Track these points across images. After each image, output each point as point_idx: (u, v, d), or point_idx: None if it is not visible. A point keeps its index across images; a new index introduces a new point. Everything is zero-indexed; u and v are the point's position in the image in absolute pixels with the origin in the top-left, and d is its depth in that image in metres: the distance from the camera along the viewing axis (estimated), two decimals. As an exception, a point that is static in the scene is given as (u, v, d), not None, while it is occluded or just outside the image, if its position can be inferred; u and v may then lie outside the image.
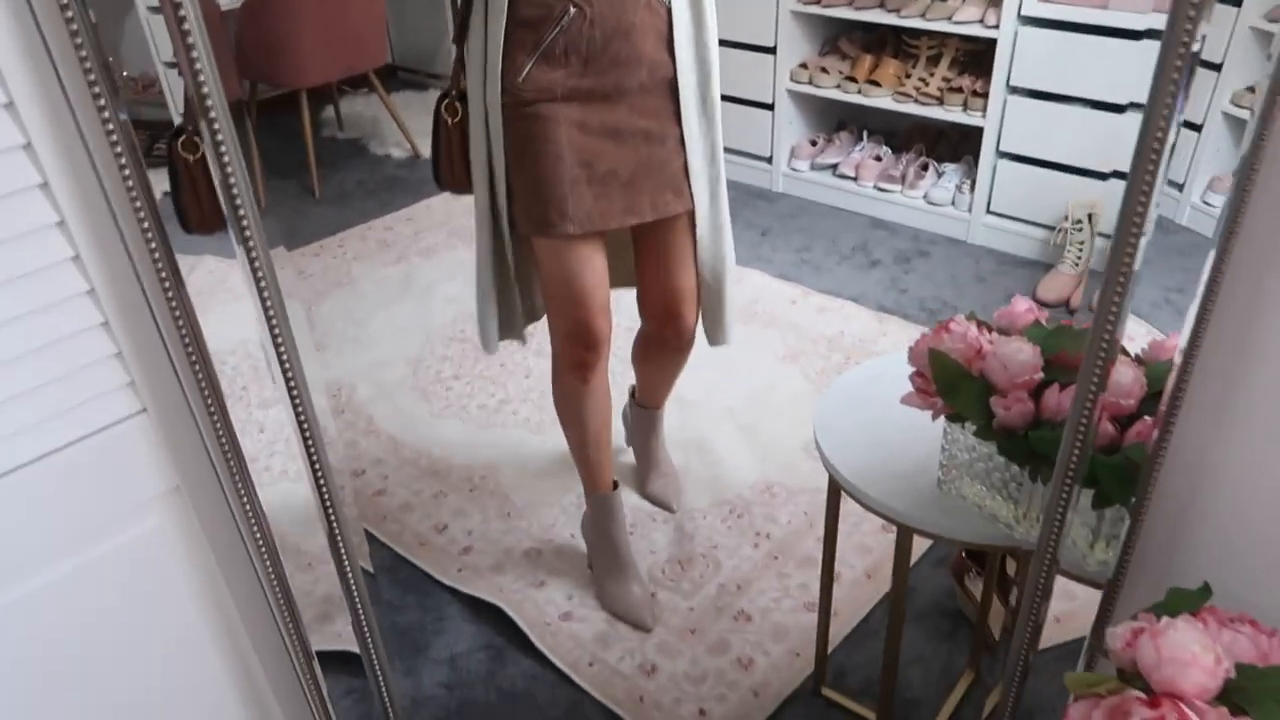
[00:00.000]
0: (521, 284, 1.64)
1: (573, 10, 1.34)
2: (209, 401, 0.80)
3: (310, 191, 3.65)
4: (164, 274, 0.75)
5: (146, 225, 0.73)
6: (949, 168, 3.25)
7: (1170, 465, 0.86)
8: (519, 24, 1.35)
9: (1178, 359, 0.79)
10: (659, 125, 1.47)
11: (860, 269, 3.02)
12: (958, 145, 3.33)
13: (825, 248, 3.15)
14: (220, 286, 1.06)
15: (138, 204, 0.71)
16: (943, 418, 1.10)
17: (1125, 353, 1.00)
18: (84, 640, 0.89)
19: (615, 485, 1.85)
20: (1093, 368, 0.80)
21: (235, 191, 0.75)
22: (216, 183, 0.74)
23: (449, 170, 1.54)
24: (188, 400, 0.83)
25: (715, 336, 1.74)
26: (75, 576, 0.86)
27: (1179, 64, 0.67)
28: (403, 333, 2.76)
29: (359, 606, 1.05)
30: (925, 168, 3.27)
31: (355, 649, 1.21)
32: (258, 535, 0.89)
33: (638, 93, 1.43)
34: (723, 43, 1.55)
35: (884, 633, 1.72)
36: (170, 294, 0.75)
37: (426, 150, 3.93)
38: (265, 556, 0.91)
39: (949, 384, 1.04)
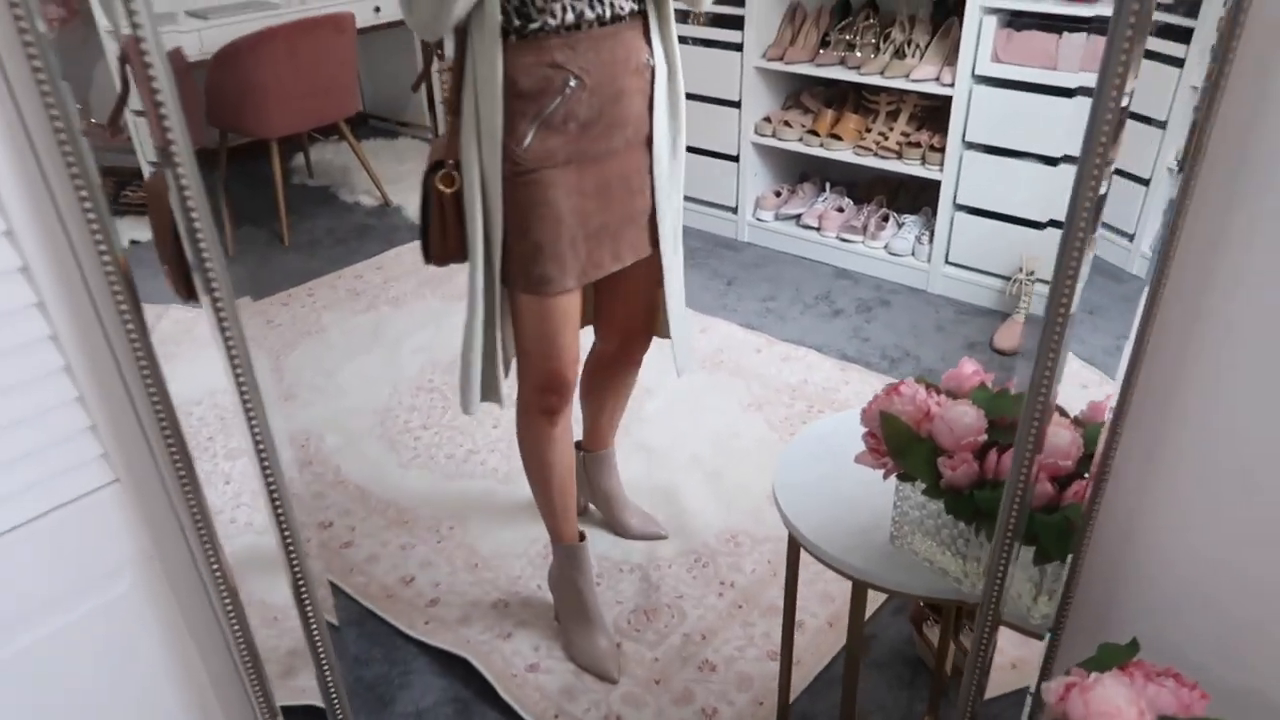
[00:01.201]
0: (504, 346, 1.64)
1: (573, 82, 1.39)
2: (180, 472, 0.82)
3: (279, 239, 3.67)
4: (134, 337, 0.77)
5: (117, 288, 0.75)
6: (909, 219, 3.34)
7: (1104, 523, 0.91)
8: (517, 95, 1.38)
9: (1108, 418, 0.84)
10: (638, 178, 1.55)
11: (823, 318, 3.08)
12: (917, 197, 3.43)
13: (789, 297, 3.22)
14: (186, 335, 1.08)
15: (107, 263, 0.73)
16: (894, 476, 1.15)
17: (1064, 414, 1.06)
18: (61, 700, 0.91)
19: (582, 536, 1.88)
20: (1029, 429, 0.85)
21: (200, 240, 0.77)
22: (181, 230, 0.76)
23: (441, 241, 1.51)
24: (158, 468, 0.86)
25: (686, 363, 1.78)
26: (52, 640, 0.88)
27: (1108, 117, 0.72)
28: (371, 382, 2.78)
29: (323, 662, 1.07)
30: (886, 219, 3.36)
31: (321, 704, 1.22)
32: (226, 601, 0.91)
33: (623, 150, 1.51)
34: (689, 97, 1.64)
35: (841, 679, 1.75)
36: (143, 361, 0.78)
37: (396, 198, 4.00)
38: (233, 620, 0.93)
39: (899, 446, 1.08)
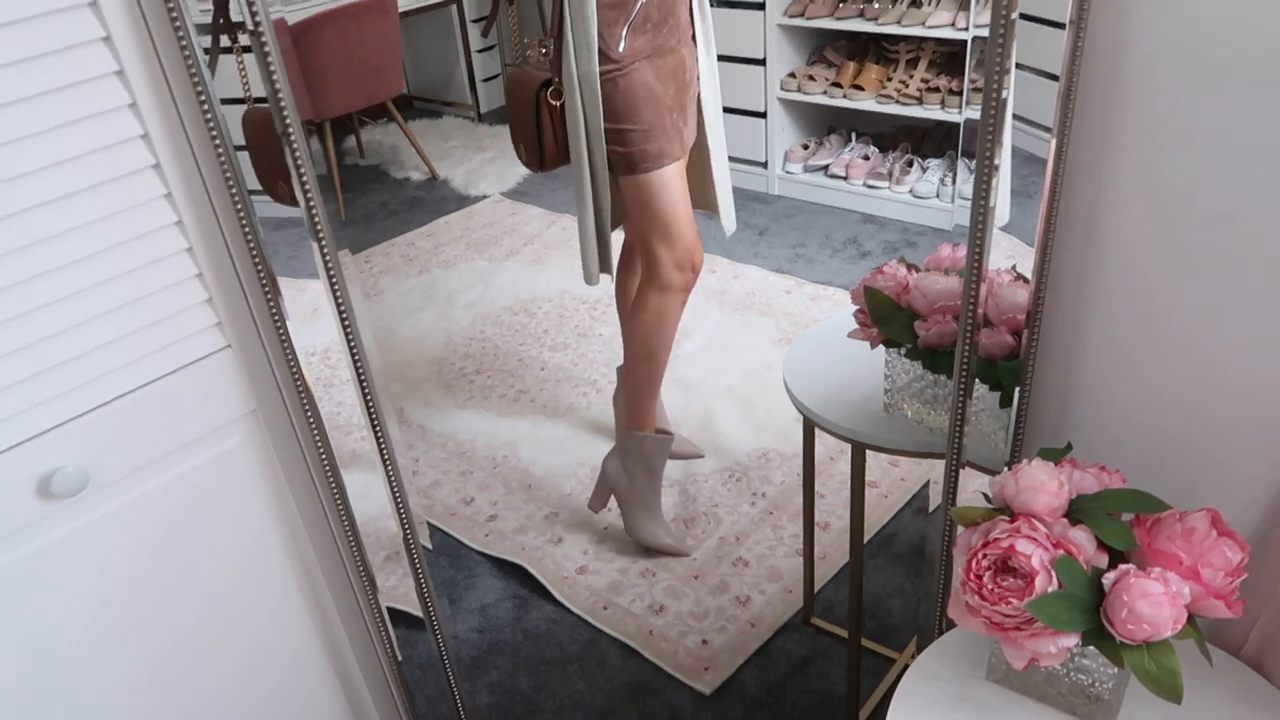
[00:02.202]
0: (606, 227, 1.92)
1: None
2: (282, 337, 1.02)
3: (337, 214, 3.90)
4: (247, 230, 0.97)
5: (239, 205, 0.95)
6: (933, 163, 3.45)
7: (1046, 358, 1.07)
8: (607, 7, 1.71)
9: (1035, 269, 1.00)
10: (692, 68, 1.88)
11: (851, 260, 3.22)
12: (940, 142, 3.54)
13: (819, 243, 3.36)
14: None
15: (229, 177, 0.93)
16: (883, 349, 1.31)
17: (1023, 279, 1.21)
18: (175, 543, 1.11)
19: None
20: (973, 275, 1.01)
21: (312, 204, 0.97)
22: (299, 198, 0.96)
23: (554, 148, 1.83)
24: (261, 337, 1.06)
25: (732, 223, 2.07)
26: (171, 487, 1.08)
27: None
28: (427, 336, 3.00)
29: (410, 542, 1.25)
30: (910, 164, 3.48)
31: (402, 606, 1.42)
32: (320, 450, 1.11)
33: (678, 46, 1.84)
34: (718, 57, 1.95)
35: (867, 568, 1.92)
36: (253, 246, 0.98)
37: (443, 172, 4.22)
38: (328, 472, 1.13)
39: (882, 315, 1.25)
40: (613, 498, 2.10)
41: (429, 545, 2.13)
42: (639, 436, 2.04)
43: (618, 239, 1.98)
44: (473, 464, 2.40)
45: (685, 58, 1.86)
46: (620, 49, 1.73)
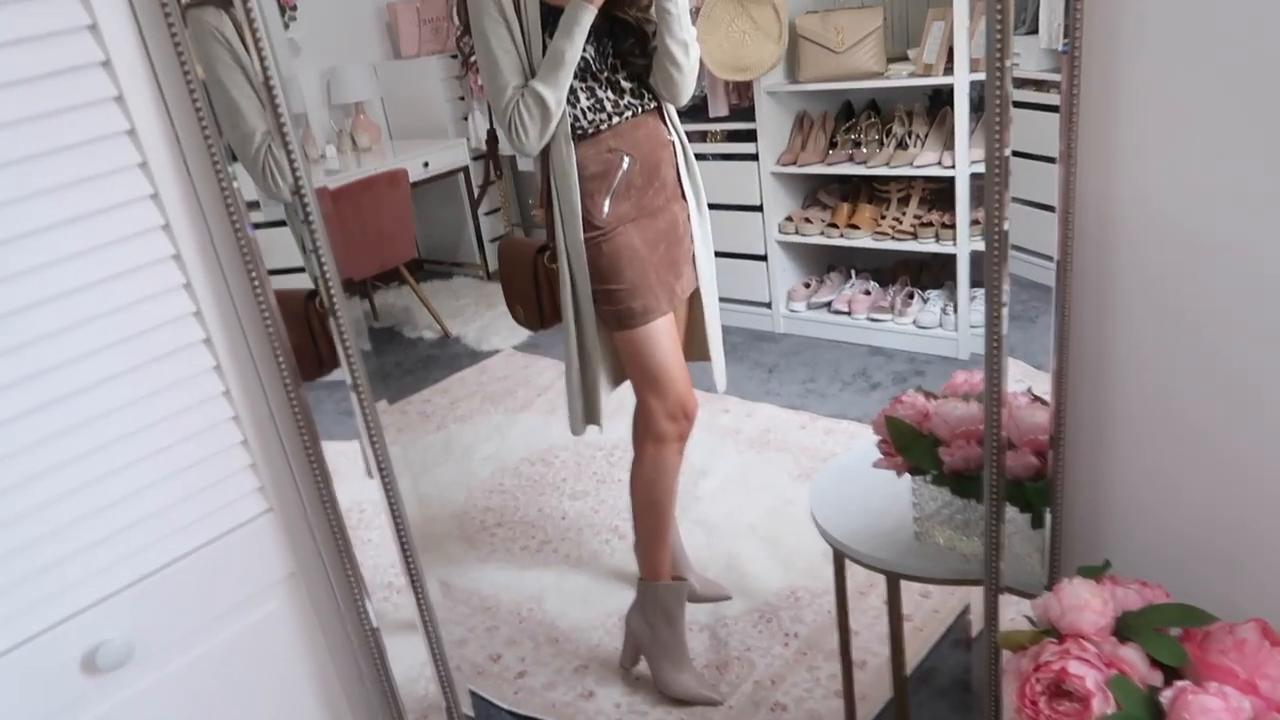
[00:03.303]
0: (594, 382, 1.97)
1: (626, 159, 1.82)
2: (325, 498, 1.04)
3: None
4: (292, 396, 1.01)
5: (285, 372, 1.00)
6: (933, 293, 3.54)
7: (1074, 477, 1.08)
8: (590, 178, 1.81)
9: (1052, 396, 1.03)
10: (682, 225, 1.96)
11: (862, 392, 3.26)
12: (938, 272, 3.64)
13: (828, 377, 3.41)
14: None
15: (279, 356, 0.98)
16: (909, 476, 1.33)
17: (1037, 398, 1.24)
18: (216, 710, 1.10)
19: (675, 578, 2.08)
20: (993, 401, 1.04)
21: (353, 363, 1.03)
22: (341, 358, 1.03)
23: (551, 306, 1.94)
24: (302, 499, 1.08)
25: (723, 379, 2.12)
26: (211, 654, 1.08)
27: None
28: (447, 490, 3.00)
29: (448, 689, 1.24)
30: (911, 296, 3.57)
31: None
32: (360, 611, 1.11)
33: (666, 206, 1.91)
34: (715, 206, 2.08)
35: (909, 706, 1.86)
36: (297, 410, 1.02)
37: (455, 329, 4.32)
38: (367, 634, 1.13)
39: (904, 443, 1.27)
40: None
41: (471, 714, 2.09)
42: (654, 586, 2.04)
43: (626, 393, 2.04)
44: (498, 619, 2.36)
45: (676, 215, 1.94)
46: (604, 215, 1.82)
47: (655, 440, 1.96)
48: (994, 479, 1.07)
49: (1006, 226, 1.00)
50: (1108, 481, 1.08)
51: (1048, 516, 1.12)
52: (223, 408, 1.00)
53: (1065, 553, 1.12)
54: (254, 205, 1.03)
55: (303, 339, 1.08)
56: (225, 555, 1.05)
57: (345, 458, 1.29)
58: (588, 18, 1.72)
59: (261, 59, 0.89)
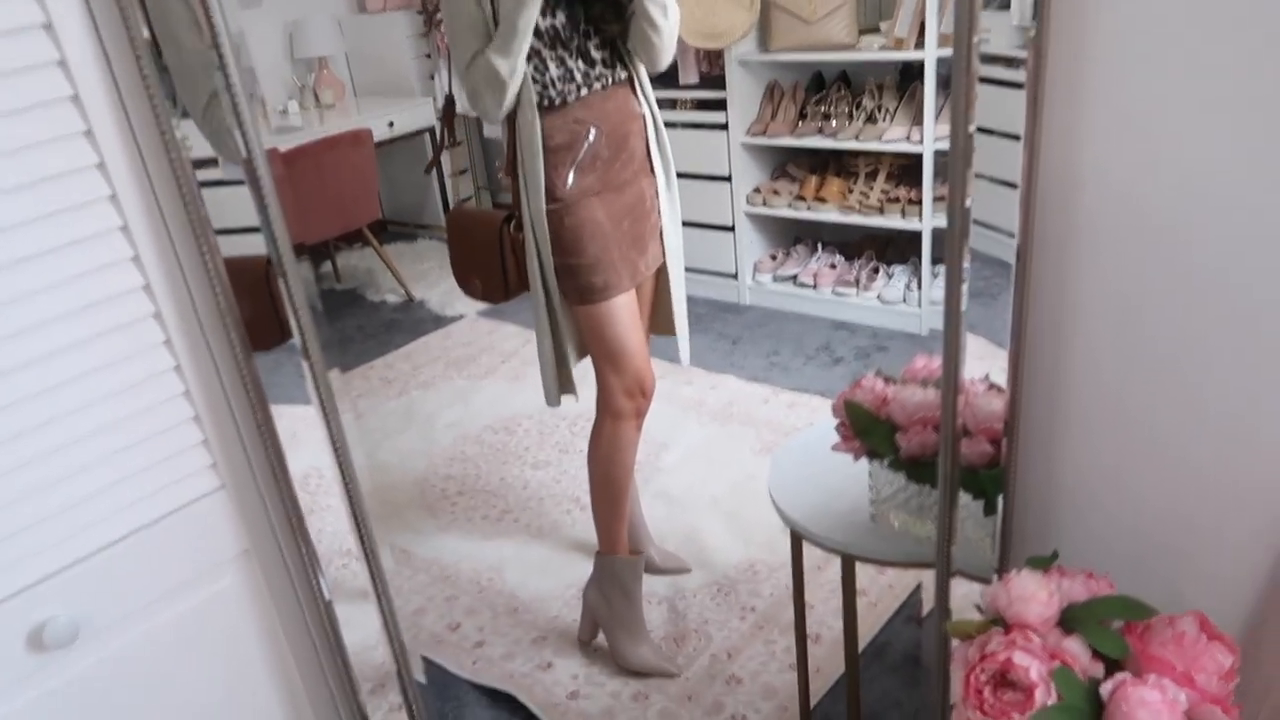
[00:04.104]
0: (569, 349, 1.97)
1: (593, 131, 1.79)
2: (278, 476, 1.03)
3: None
4: (247, 380, 0.99)
5: (237, 346, 0.98)
6: (898, 268, 3.56)
7: (1027, 466, 1.10)
8: (554, 149, 1.77)
9: (1009, 369, 1.04)
10: (649, 200, 1.93)
11: (825, 366, 3.28)
12: (904, 248, 3.65)
13: (792, 350, 3.43)
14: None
15: (230, 330, 0.96)
16: (866, 460, 1.34)
17: (997, 387, 1.25)
18: (166, 687, 1.09)
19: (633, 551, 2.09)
20: (949, 388, 1.05)
21: (304, 333, 1.01)
22: (291, 323, 1.00)
23: (517, 276, 1.91)
24: (255, 476, 1.07)
25: (686, 351, 2.12)
26: (161, 631, 1.07)
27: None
28: (408, 459, 2.99)
29: (406, 684, 1.24)
30: (876, 270, 3.58)
31: None
32: (315, 587, 1.10)
33: (633, 179, 1.88)
34: (684, 175, 2.03)
35: (862, 680, 1.89)
36: (252, 393, 1.00)
37: (419, 293, 4.28)
38: (320, 609, 1.12)
39: (862, 427, 1.28)
40: None
41: (422, 679, 2.09)
42: (610, 560, 2.05)
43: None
44: (458, 588, 2.37)
45: (644, 189, 1.91)
46: (567, 187, 1.79)
47: (612, 416, 1.96)
48: (948, 466, 1.08)
49: (969, 204, 0.99)
50: (1060, 471, 1.09)
51: (1000, 504, 1.14)
52: (173, 383, 0.98)
53: (1016, 540, 1.14)
54: (212, 162, 1.00)
55: (263, 306, 1.06)
56: (175, 533, 1.04)
57: (305, 423, 1.27)
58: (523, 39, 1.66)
59: (209, 17, 0.86)
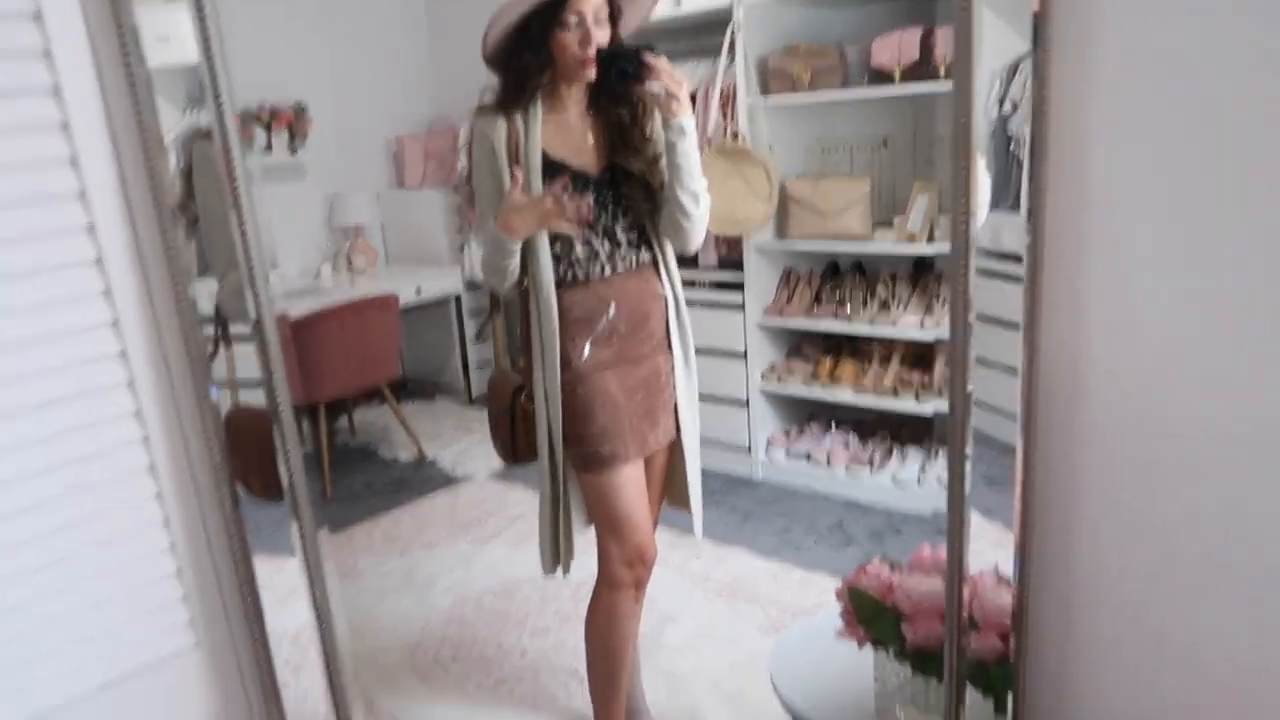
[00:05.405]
0: (570, 525, 1.96)
1: (614, 308, 1.83)
2: (256, 639, 1.00)
3: (322, 493, 3.92)
4: (235, 536, 0.98)
5: (227, 502, 0.98)
6: (912, 450, 3.54)
7: (1038, 663, 1.05)
8: (571, 323, 1.83)
9: (1015, 559, 1.01)
10: (665, 375, 1.95)
11: (836, 547, 3.21)
12: (919, 430, 3.65)
13: (804, 528, 3.37)
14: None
15: (223, 494, 0.96)
16: (872, 651, 1.29)
17: (1007, 581, 1.22)
18: None
19: None
20: (954, 577, 1.02)
21: (295, 486, 1.01)
22: (284, 481, 1.00)
23: (526, 444, 1.94)
24: (233, 636, 1.04)
25: (699, 526, 2.08)
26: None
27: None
28: (404, 621, 2.90)
29: None
30: (891, 451, 3.57)
31: None
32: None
33: (650, 355, 1.92)
34: (701, 351, 2.07)
35: None
36: (237, 550, 0.99)
37: (432, 452, 4.28)
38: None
39: (867, 615, 1.24)
40: None
41: None
42: None
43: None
44: (444, 764, 2.24)
45: (660, 365, 1.93)
46: (583, 359, 1.84)
47: (609, 585, 1.92)
48: (954, 659, 1.03)
49: (970, 389, 1.00)
50: (1073, 670, 1.05)
51: (1009, 702, 1.09)
52: (159, 536, 0.97)
53: (1027, 744, 1.07)
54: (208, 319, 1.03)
55: (272, 459, 1.06)
56: (143, 692, 1.00)
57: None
58: (513, 245, 1.76)
59: (235, 189, 0.90)
